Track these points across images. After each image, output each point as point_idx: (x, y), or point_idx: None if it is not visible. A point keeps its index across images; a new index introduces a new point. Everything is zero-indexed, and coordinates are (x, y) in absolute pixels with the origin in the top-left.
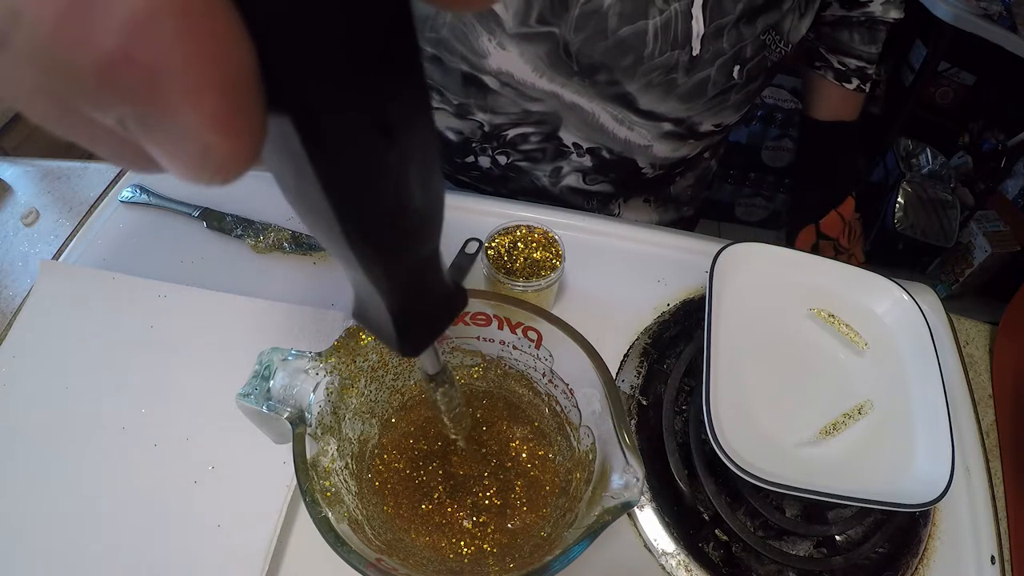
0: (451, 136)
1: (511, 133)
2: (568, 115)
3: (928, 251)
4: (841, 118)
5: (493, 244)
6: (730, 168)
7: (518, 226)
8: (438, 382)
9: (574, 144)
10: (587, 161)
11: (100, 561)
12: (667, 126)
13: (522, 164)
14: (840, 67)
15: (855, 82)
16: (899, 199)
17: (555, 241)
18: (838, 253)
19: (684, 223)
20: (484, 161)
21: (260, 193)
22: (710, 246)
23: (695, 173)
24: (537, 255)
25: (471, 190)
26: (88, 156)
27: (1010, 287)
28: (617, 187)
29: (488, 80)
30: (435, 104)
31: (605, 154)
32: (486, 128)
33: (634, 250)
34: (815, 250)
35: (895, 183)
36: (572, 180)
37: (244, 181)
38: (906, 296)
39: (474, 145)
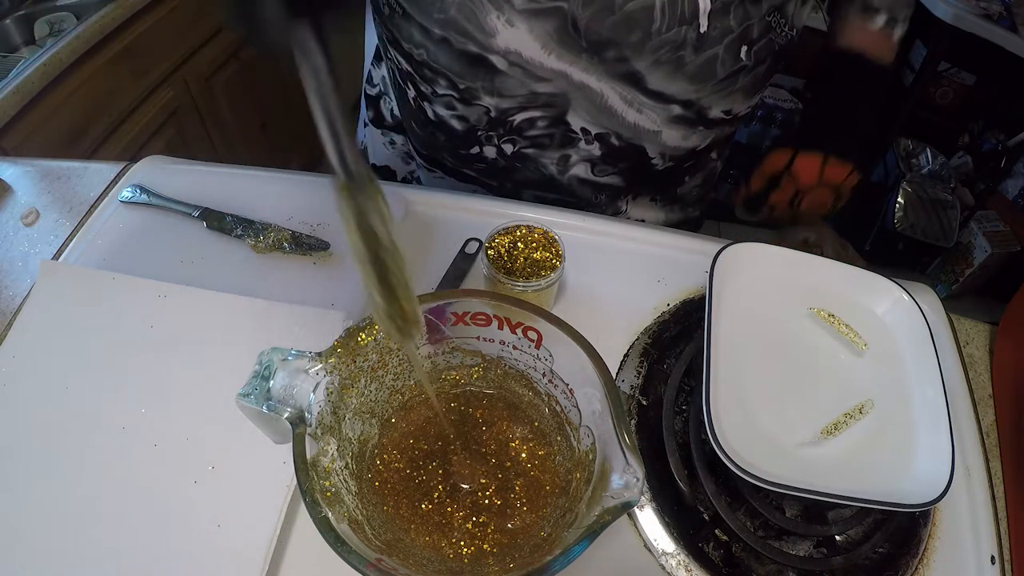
0: (456, 125)
1: (518, 118)
2: (576, 96)
3: (928, 251)
4: (867, 52)
5: (493, 244)
6: (730, 168)
7: (518, 226)
8: (352, 188)
9: (582, 130)
10: (595, 149)
11: (100, 561)
12: (676, 109)
13: (529, 151)
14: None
15: (881, 21)
16: (899, 199)
17: (555, 241)
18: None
19: (690, 224)
20: (490, 151)
21: (260, 193)
22: (710, 246)
23: (703, 174)
24: (537, 255)
25: (475, 184)
26: (88, 156)
27: (1010, 287)
28: (626, 180)
29: (496, 60)
30: (440, 91)
31: (614, 140)
32: (492, 114)
33: (634, 250)
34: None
35: (895, 183)
36: (580, 170)
37: (244, 181)
38: (906, 296)
39: (479, 133)
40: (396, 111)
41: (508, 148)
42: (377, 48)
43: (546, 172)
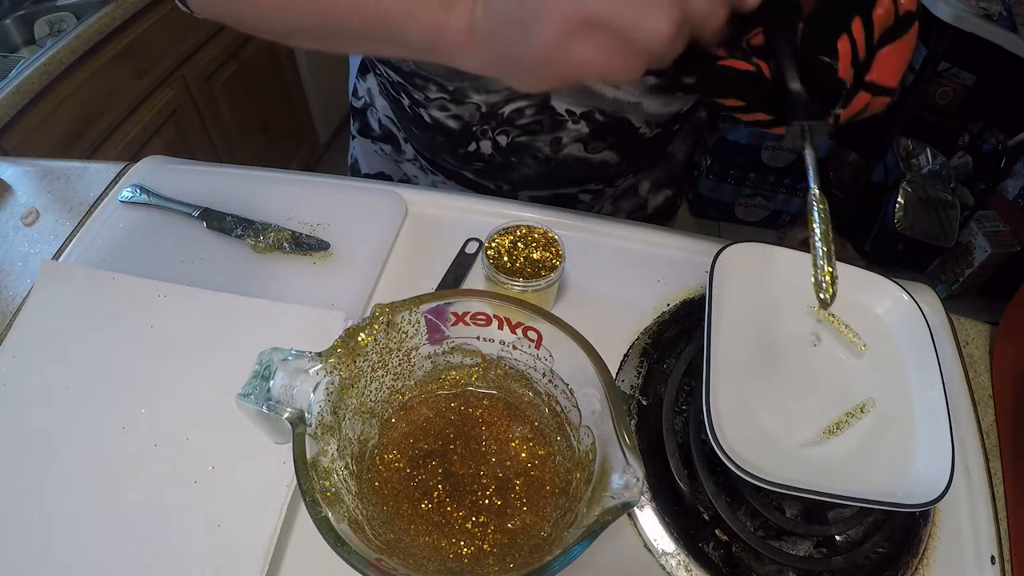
0: (452, 124)
1: (507, 110)
2: None
3: (928, 251)
4: None
5: (493, 244)
6: (730, 168)
7: (518, 226)
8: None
9: (567, 111)
10: (583, 127)
11: (100, 561)
12: (650, 79)
13: (522, 139)
14: None
15: None
16: (899, 199)
17: (555, 241)
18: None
19: (673, 183)
20: (486, 146)
21: (260, 193)
22: (710, 246)
23: (689, 126)
24: (537, 255)
25: (475, 188)
26: (88, 156)
27: (1010, 287)
28: (620, 153)
29: None
30: (432, 95)
31: (598, 116)
32: (483, 109)
33: (634, 250)
34: None
35: (895, 183)
36: (574, 149)
37: (244, 181)
38: (906, 296)
39: (474, 129)
40: (383, 121)
41: (503, 139)
42: (362, 62)
43: (541, 155)
